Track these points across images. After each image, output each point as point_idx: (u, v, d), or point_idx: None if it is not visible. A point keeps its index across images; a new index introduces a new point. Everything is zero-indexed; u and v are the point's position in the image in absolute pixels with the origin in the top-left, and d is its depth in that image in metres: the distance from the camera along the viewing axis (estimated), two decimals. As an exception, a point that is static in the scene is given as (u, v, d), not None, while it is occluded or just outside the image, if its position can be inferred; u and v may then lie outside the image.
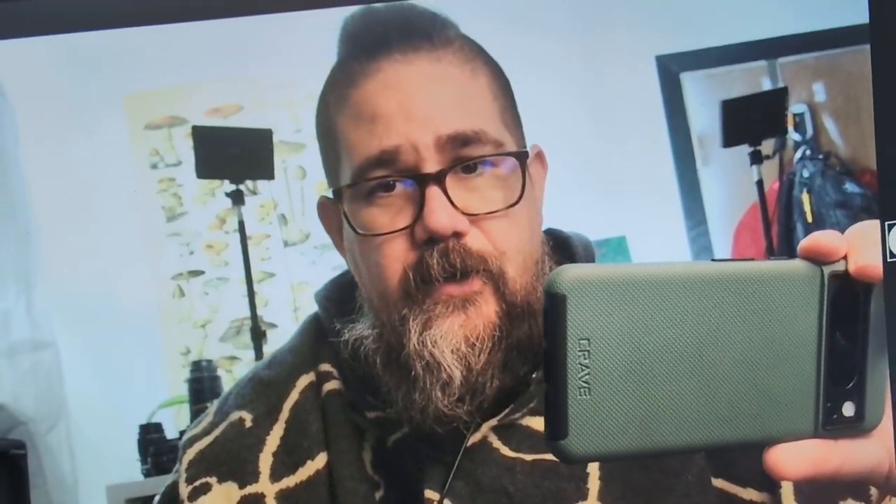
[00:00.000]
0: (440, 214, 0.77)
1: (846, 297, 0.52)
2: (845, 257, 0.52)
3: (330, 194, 0.88)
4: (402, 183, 0.80)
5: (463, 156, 0.79)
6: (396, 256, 0.80)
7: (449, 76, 0.82)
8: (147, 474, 2.32)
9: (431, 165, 0.78)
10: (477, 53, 0.85)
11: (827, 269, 0.52)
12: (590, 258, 0.90)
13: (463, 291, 0.78)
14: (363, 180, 0.80)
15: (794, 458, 0.50)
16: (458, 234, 0.78)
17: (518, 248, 0.81)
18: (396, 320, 0.80)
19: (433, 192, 0.78)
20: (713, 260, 0.50)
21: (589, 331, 0.46)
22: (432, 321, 0.78)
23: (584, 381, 0.46)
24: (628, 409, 0.47)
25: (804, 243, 0.52)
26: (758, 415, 0.50)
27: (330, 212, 0.89)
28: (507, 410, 0.82)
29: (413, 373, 0.79)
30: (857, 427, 0.53)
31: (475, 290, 0.79)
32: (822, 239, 0.52)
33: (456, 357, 0.78)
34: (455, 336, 0.78)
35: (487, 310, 0.79)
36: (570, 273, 0.47)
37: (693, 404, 0.48)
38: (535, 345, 0.81)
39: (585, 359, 0.46)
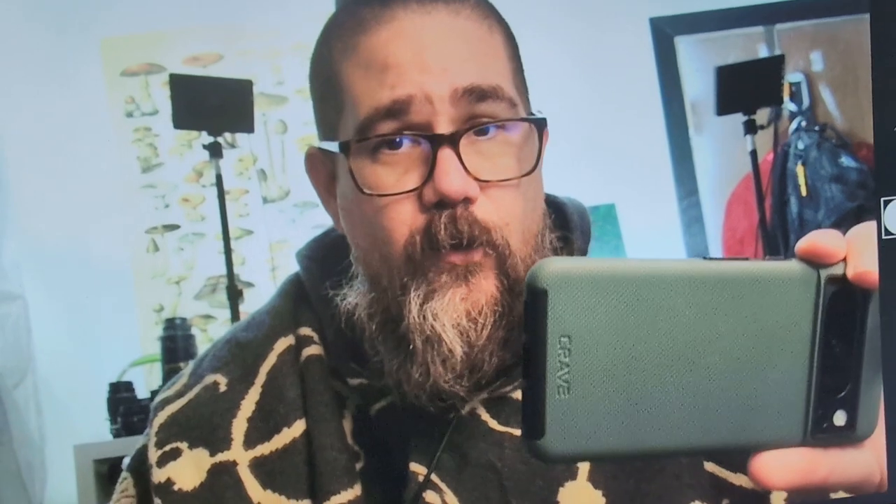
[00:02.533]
0: (453, 177, 0.75)
1: (843, 302, 0.51)
2: (845, 260, 0.51)
3: (320, 145, 0.85)
4: (411, 141, 0.77)
5: (478, 113, 0.78)
6: (403, 219, 0.77)
7: (467, 30, 0.80)
8: (116, 434, 2.31)
9: (444, 123, 0.76)
10: (491, 11, 0.83)
11: (824, 273, 0.50)
12: (585, 226, 0.89)
13: (465, 260, 0.77)
14: (373, 135, 0.77)
15: (780, 466, 0.50)
16: (467, 200, 0.76)
17: (521, 219, 0.80)
18: (398, 287, 0.78)
19: (446, 153, 0.76)
20: (705, 258, 0.49)
21: (570, 328, 0.46)
22: (434, 292, 0.77)
23: (563, 380, 0.46)
24: (608, 409, 0.47)
25: (801, 244, 0.51)
26: (744, 420, 0.50)
27: (319, 164, 0.87)
28: (497, 383, 0.81)
29: (412, 346, 0.77)
30: (849, 436, 0.52)
31: (477, 262, 0.77)
32: (821, 240, 0.50)
33: (457, 332, 0.76)
34: (456, 310, 0.76)
35: (488, 284, 0.78)
36: (553, 267, 0.46)
37: (677, 407, 0.48)
38: None
39: (566, 357, 0.46)
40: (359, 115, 0.78)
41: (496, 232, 0.77)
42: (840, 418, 0.51)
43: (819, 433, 0.51)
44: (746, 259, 0.50)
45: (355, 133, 0.78)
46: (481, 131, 0.78)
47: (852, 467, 0.52)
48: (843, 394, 0.51)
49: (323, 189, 0.87)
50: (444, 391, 0.78)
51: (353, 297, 0.83)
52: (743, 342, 0.49)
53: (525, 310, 0.47)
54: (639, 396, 0.47)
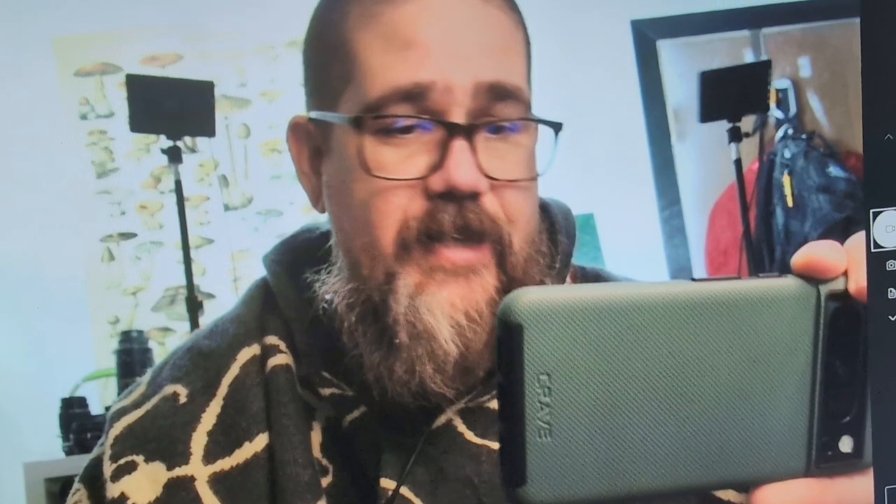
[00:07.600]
0: (466, 169, 0.75)
1: (845, 319, 0.49)
2: (846, 273, 0.49)
3: (312, 115, 0.84)
4: (423, 127, 0.77)
5: (494, 110, 0.78)
6: (400, 204, 0.77)
7: (496, 21, 0.80)
8: (69, 452, 2.32)
9: (460, 114, 0.76)
10: (516, 7, 0.84)
11: (824, 289, 0.48)
12: (570, 228, 0.89)
13: (469, 260, 0.77)
14: (387, 113, 0.76)
15: (783, 501, 0.48)
16: (475, 195, 0.76)
17: (527, 219, 0.80)
18: (382, 277, 0.77)
19: (460, 144, 0.76)
20: (693, 280, 0.47)
21: (550, 365, 0.44)
22: (427, 286, 0.76)
23: (544, 422, 0.44)
24: (595, 451, 0.45)
25: (798, 258, 0.48)
26: (744, 454, 0.48)
27: (304, 136, 0.85)
28: (475, 392, 0.81)
29: (397, 340, 0.76)
30: (856, 464, 0.50)
31: (483, 260, 0.77)
32: (819, 253, 0.48)
33: (455, 331, 0.76)
34: (455, 308, 0.76)
35: (488, 283, 0.77)
36: (528, 298, 0.44)
37: (670, 444, 0.47)
38: None
39: (546, 396, 0.44)
40: (371, 90, 0.77)
41: (504, 228, 0.78)
42: (846, 444, 0.50)
43: (824, 462, 0.50)
44: (738, 278, 0.48)
45: (364, 108, 0.78)
46: (495, 129, 0.78)
47: (860, 496, 0.50)
48: (848, 418, 0.50)
49: (305, 163, 0.86)
50: (430, 392, 0.77)
51: (332, 285, 0.82)
52: (738, 369, 0.47)
53: (499, 346, 0.44)
54: (628, 435, 0.46)
